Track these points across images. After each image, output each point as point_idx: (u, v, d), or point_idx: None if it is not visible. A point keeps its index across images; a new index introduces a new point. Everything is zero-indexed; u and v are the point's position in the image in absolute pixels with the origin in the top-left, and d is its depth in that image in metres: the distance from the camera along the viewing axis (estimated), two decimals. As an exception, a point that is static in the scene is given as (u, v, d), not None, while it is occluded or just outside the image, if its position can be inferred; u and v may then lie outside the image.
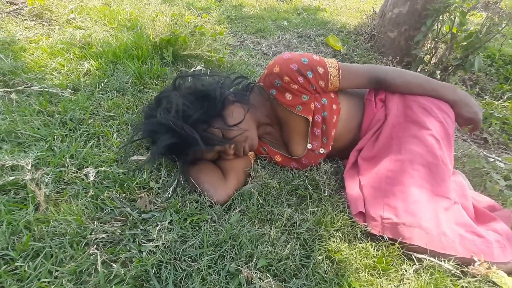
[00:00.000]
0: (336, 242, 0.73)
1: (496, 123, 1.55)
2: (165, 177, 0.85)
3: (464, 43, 1.73)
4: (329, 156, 1.01)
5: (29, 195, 0.71)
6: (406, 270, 0.69)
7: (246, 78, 0.98)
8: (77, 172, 0.79)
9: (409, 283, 0.66)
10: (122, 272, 0.59)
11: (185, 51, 1.46)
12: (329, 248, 0.71)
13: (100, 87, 1.16)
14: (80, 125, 0.97)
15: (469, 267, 0.69)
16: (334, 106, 0.92)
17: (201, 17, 2.12)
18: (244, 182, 0.89)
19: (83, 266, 0.60)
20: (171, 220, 0.72)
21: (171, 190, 0.80)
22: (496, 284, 0.67)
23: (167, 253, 0.64)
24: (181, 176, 0.85)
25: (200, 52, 1.48)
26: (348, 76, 0.89)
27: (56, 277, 0.58)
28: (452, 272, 0.69)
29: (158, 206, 0.76)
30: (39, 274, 0.58)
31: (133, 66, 1.27)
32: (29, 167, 0.75)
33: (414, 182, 0.78)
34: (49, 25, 1.60)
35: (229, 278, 0.62)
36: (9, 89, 1.06)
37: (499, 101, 1.72)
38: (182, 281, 0.61)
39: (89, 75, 1.25)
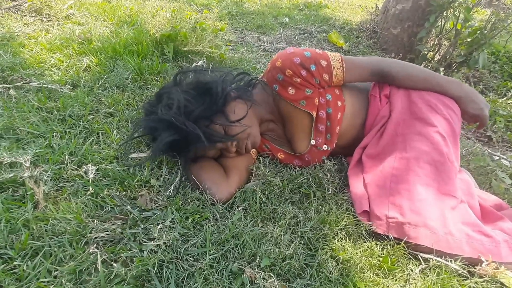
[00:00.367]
0: (341, 241, 0.72)
1: (500, 121, 1.53)
2: (166, 175, 0.84)
3: (468, 40, 1.71)
4: (333, 153, 1.00)
5: (28, 193, 0.69)
6: (412, 270, 0.68)
7: (248, 74, 0.96)
8: (76, 169, 0.78)
9: (415, 283, 0.65)
10: (123, 271, 0.58)
11: (186, 47, 1.44)
12: (334, 247, 0.70)
13: (100, 83, 1.15)
14: (80, 121, 0.95)
15: (476, 267, 0.68)
16: (339, 103, 0.90)
17: (202, 12, 2.10)
18: (246, 179, 0.88)
19: (83, 265, 0.59)
20: (172, 219, 0.70)
21: (172, 187, 0.79)
22: (504, 285, 0.65)
23: (168, 252, 0.63)
24: (182, 174, 0.84)
25: (201, 48, 1.46)
26: (352, 68, 0.87)
27: (55, 277, 0.57)
28: (459, 272, 0.68)
29: (159, 204, 0.75)
30: (38, 273, 0.56)
31: (133, 62, 1.25)
32: (27, 164, 0.74)
33: (420, 180, 0.76)
34: (48, 20, 1.58)
35: (232, 278, 0.61)
36: (7, 85, 1.05)
37: (504, 99, 1.70)
38: (184, 281, 0.59)
39: (88, 71, 1.23)
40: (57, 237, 0.62)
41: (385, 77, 0.90)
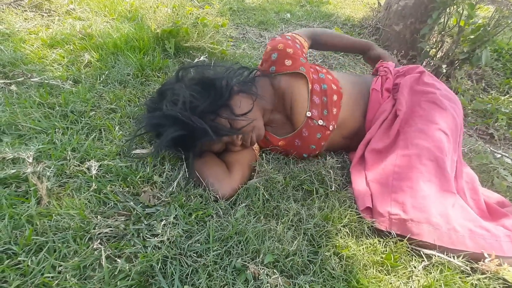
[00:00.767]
0: (344, 238, 0.72)
1: (502, 119, 1.52)
2: (169, 171, 0.84)
3: (471, 37, 1.69)
4: (335, 145, 1.00)
5: (31, 189, 0.69)
6: (415, 267, 0.68)
7: (247, 69, 0.96)
8: (79, 165, 0.78)
9: (418, 280, 0.65)
10: (127, 267, 0.58)
11: (187, 43, 1.43)
12: (337, 244, 0.70)
13: (101, 79, 1.14)
14: (82, 117, 0.95)
15: (479, 263, 0.68)
16: (334, 86, 0.94)
17: (203, 8, 2.09)
18: (249, 176, 0.87)
19: (87, 261, 0.59)
20: (175, 215, 0.70)
21: (175, 184, 0.79)
22: (506, 281, 0.66)
23: (172, 249, 0.63)
24: (185, 170, 0.84)
25: (202, 44, 1.45)
26: (303, 35, 1.05)
27: (59, 272, 0.57)
28: (462, 268, 0.68)
29: (162, 201, 0.75)
30: (42, 269, 0.56)
31: (134, 58, 1.24)
32: (30, 160, 0.74)
33: (422, 177, 0.76)
34: (48, 15, 1.57)
35: (235, 274, 0.61)
36: (9, 81, 1.04)
37: (506, 96, 1.70)
38: (188, 276, 0.60)
39: (89, 67, 1.23)
40: (60, 232, 0.63)
41: (315, 39, 1.09)
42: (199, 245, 0.65)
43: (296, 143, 0.94)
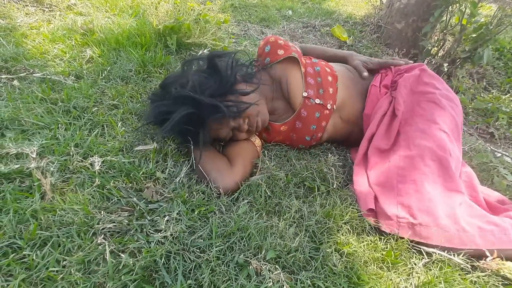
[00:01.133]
0: (345, 235, 0.73)
1: (503, 118, 1.53)
2: (172, 168, 0.84)
3: (473, 35, 1.69)
4: (337, 131, 1.01)
5: (35, 184, 0.70)
6: (415, 264, 0.69)
7: (246, 65, 0.98)
8: (82, 161, 0.78)
9: (418, 276, 0.66)
10: (131, 262, 0.59)
11: (189, 39, 1.43)
12: (338, 241, 0.71)
13: (103, 75, 1.14)
14: (84, 113, 0.95)
15: (480, 261, 0.69)
16: (327, 69, 0.99)
17: (204, 4, 2.08)
18: (251, 171, 0.88)
19: (91, 255, 0.59)
20: (178, 211, 0.71)
21: (178, 180, 0.79)
22: (507, 279, 0.66)
23: (175, 244, 0.64)
24: (188, 166, 0.84)
25: (204, 40, 1.44)
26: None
27: (64, 266, 0.58)
28: (462, 266, 0.69)
29: (165, 197, 0.75)
30: (47, 263, 0.57)
31: (136, 54, 1.24)
32: (34, 155, 0.74)
33: (426, 178, 0.77)
34: (49, 10, 1.56)
35: (238, 269, 0.62)
36: (11, 76, 1.04)
37: (507, 95, 1.70)
38: (191, 272, 0.60)
39: (91, 63, 1.22)
40: (65, 227, 0.63)
41: (304, 50, 1.18)
42: (202, 240, 0.66)
43: (297, 125, 0.95)
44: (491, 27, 1.61)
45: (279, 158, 0.96)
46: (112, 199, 0.72)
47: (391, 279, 0.65)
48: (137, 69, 1.20)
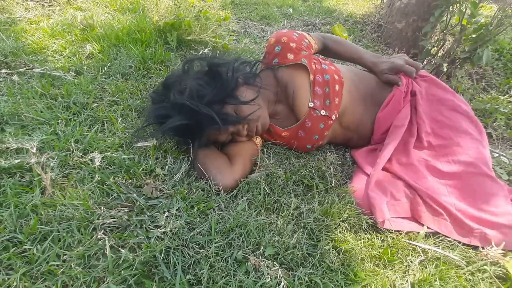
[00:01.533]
0: (343, 232, 0.74)
1: (501, 118, 1.54)
2: (171, 164, 0.84)
3: (473, 36, 1.69)
4: (336, 137, 1.01)
5: (35, 179, 0.70)
6: (411, 261, 0.70)
7: (250, 63, 0.98)
8: (82, 156, 0.78)
9: (414, 274, 0.67)
10: (131, 257, 0.59)
11: (190, 36, 1.43)
12: (336, 238, 0.72)
13: (103, 71, 1.14)
14: (84, 109, 0.95)
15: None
16: (336, 76, 0.95)
17: (205, 1, 2.07)
18: (250, 169, 0.89)
19: (91, 250, 0.60)
20: (178, 207, 0.72)
21: (177, 177, 0.80)
22: (504, 274, 0.67)
23: (175, 240, 0.64)
24: (188, 161, 0.85)
25: (205, 37, 1.44)
26: (315, 38, 1.04)
27: (64, 261, 0.58)
28: (457, 262, 0.70)
29: (164, 193, 0.76)
30: (47, 257, 0.58)
31: (136, 50, 1.24)
32: (34, 151, 0.74)
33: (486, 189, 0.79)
34: (49, 5, 1.56)
35: (236, 265, 0.63)
36: (10, 71, 1.04)
37: (505, 96, 1.71)
38: (191, 267, 0.61)
39: (91, 58, 1.22)
40: (65, 222, 0.64)
41: (326, 47, 1.07)
42: (201, 237, 0.67)
43: (300, 134, 0.95)
44: (491, 27, 1.61)
45: (278, 156, 0.96)
46: (112, 195, 0.72)
47: (387, 276, 0.66)
48: (137, 66, 1.20)
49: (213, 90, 0.81)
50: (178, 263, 0.60)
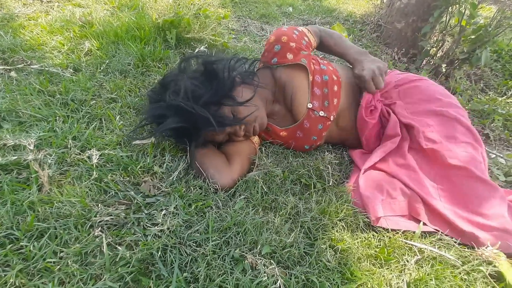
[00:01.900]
0: (339, 231, 0.74)
1: (498, 119, 1.54)
2: (169, 162, 0.84)
3: (472, 37, 1.70)
4: (333, 137, 1.01)
5: (32, 176, 0.70)
6: (407, 261, 0.70)
7: (247, 60, 0.97)
8: (80, 154, 0.78)
9: (410, 273, 0.68)
10: (128, 254, 0.59)
11: (189, 34, 1.42)
12: (333, 237, 0.72)
13: (102, 68, 1.14)
14: (82, 106, 0.95)
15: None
16: (334, 77, 0.95)
17: (205, -1, 2.06)
18: (248, 168, 0.89)
19: (88, 247, 0.60)
20: (175, 205, 0.72)
21: (175, 175, 0.80)
22: (493, 276, 0.68)
23: (172, 238, 0.64)
24: (186, 160, 0.85)
25: (204, 35, 1.44)
26: (314, 33, 1.02)
27: (61, 258, 0.58)
28: (453, 262, 0.70)
29: (162, 191, 0.76)
30: (44, 254, 0.57)
31: (135, 48, 1.23)
32: (31, 147, 0.74)
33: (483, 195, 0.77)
34: (48, 1, 1.55)
35: (233, 263, 0.63)
36: (8, 67, 1.03)
37: (503, 97, 1.72)
38: (188, 265, 0.61)
39: (90, 55, 1.22)
40: (62, 219, 0.63)
41: (322, 40, 1.04)
42: (199, 235, 0.67)
43: (298, 134, 0.95)
44: (490, 29, 1.62)
45: (276, 155, 0.96)
46: (109, 193, 0.72)
47: (383, 276, 0.67)
48: (136, 63, 1.19)
49: (210, 91, 0.80)
50: (175, 261, 0.61)
